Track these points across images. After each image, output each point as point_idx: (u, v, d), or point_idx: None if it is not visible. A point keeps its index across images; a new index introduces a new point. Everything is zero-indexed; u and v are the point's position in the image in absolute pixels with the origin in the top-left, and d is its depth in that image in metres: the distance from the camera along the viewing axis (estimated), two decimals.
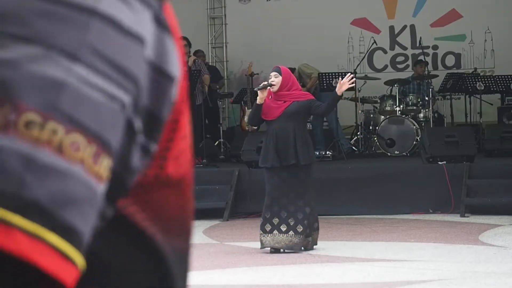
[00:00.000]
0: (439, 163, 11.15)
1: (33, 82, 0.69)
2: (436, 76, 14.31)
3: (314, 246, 8.26)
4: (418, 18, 15.58)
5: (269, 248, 8.23)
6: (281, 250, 8.18)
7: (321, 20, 15.62)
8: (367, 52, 14.96)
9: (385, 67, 15.76)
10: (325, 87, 13.35)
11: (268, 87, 8.19)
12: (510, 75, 13.97)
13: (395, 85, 13.75)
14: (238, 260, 7.93)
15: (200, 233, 9.90)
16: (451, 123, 14.24)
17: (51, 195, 0.68)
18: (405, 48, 15.74)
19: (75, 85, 0.70)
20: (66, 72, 0.70)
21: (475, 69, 14.88)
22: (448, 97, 14.52)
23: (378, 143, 13.43)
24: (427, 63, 14.50)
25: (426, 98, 13.67)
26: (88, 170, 0.70)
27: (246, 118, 14.31)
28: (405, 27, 15.69)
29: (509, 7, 15.05)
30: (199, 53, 14.32)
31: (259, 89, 8.24)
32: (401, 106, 13.54)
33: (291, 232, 8.12)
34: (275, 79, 8.17)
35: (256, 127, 14.06)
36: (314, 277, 6.99)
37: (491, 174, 10.95)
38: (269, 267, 7.52)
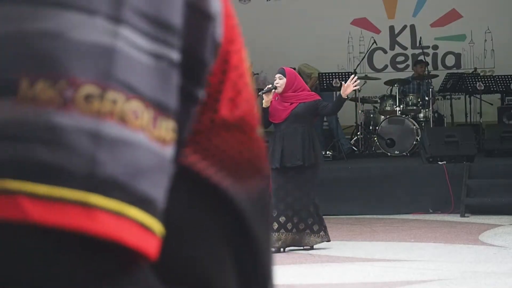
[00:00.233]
0: (439, 163, 11.15)
1: (82, 52, 0.66)
2: (436, 76, 14.31)
3: (315, 246, 8.29)
4: (418, 18, 15.58)
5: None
6: (281, 249, 8.19)
7: (321, 20, 15.61)
8: (367, 52, 14.96)
9: (385, 67, 15.76)
10: (325, 87, 13.34)
11: (273, 90, 8.19)
12: (510, 75, 13.97)
13: (395, 85, 13.74)
14: None
15: None
16: (451, 123, 14.24)
17: (124, 168, 0.65)
18: (405, 48, 15.75)
19: (124, 49, 0.67)
20: (113, 37, 0.66)
21: (475, 69, 14.89)
22: (448, 97, 14.52)
23: (378, 143, 13.42)
24: (427, 63, 14.50)
25: (426, 98, 13.66)
26: (151, 136, 0.67)
27: None
28: (405, 27, 15.69)
29: (509, 7, 15.05)
30: None
31: (263, 93, 8.22)
32: (401, 106, 13.54)
33: (294, 230, 8.16)
34: (280, 81, 8.18)
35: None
36: (314, 277, 6.98)
37: (491, 174, 10.95)
38: None
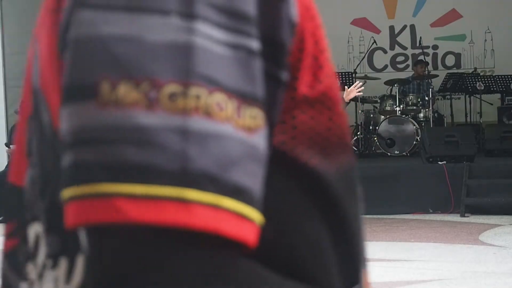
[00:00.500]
0: (439, 163, 11.15)
1: (161, 53, 0.67)
2: (436, 76, 14.32)
3: None
4: (418, 18, 15.58)
5: None
6: None
7: (321, 20, 15.61)
8: (367, 52, 14.96)
9: (385, 67, 15.76)
10: None
11: None
12: (510, 75, 13.97)
13: (395, 85, 13.75)
14: None
15: None
16: (451, 123, 14.24)
17: (214, 161, 0.67)
18: (405, 48, 15.75)
19: (201, 43, 0.68)
20: (188, 33, 0.68)
21: (475, 69, 14.89)
22: (448, 97, 14.52)
23: (378, 143, 13.43)
24: (427, 63, 14.50)
25: (426, 98, 13.67)
26: (237, 125, 0.68)
27: None
28: (405, 27, 15.69)
29: (509, 7, 15.05)
30: None
31: None
32: (401, 106, 13.54)
33: None
34: None
35: None
36: None
37: (491, 174, 10.95)
38: None
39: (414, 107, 13.67)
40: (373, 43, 14.62)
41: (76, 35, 0.69)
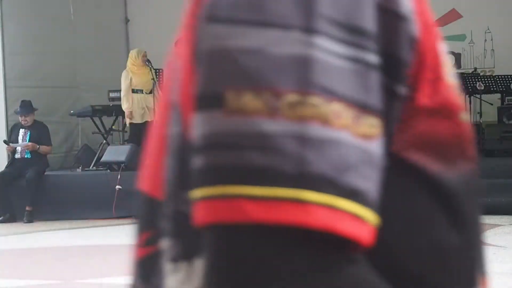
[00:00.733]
0: None
1: (282, 65, 0.72)
2: None
3: None
4: None
5: None
6: None
7: None
8: None
9: None
10: None
11: None
12: (510, 75, 13.97)
13: None
14: None
15: None
16: None
17: (331, 165, 0.71)
18: None
19: (320, 56, 0.72)
20: (308, 47, 0.72)
21: (475, 69, 14.88)
22: None
23: None
24: None
25: None
26: (354, 133, 0.73)
27: None
28: None
29: (509, 7, 15.04)
30: None
31: None
32: None
33: None
34: None
35: None
36: None
37: (491, 174, 10.95)
38: None
39: None
40: None
41: (206, 48, 0.75)
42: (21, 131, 12.03)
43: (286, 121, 0.71)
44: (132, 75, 12.51)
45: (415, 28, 0.80)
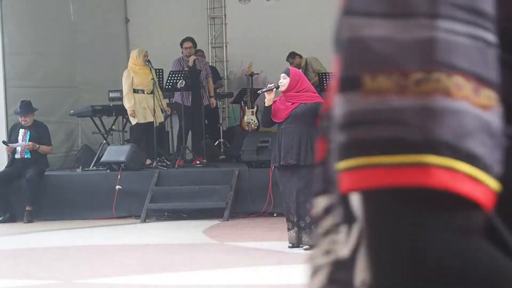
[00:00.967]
0: None
1: (409, 48, 0.83)
2: None
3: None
4: None
5: (288, 245, 8.34)
6: (300, 245, 8.25)
7: (321, 20, 15.60)
8: None
9: None
10: (325, 86, 13.35)
11: (274, 89, 8.30)
12: None
13: None
14: (238, 260, 7.93)
15: (200, 233, 9.90)
16: None
17: (452, 132, 0.81)
18: None
19: (442, 36, 0.82)
20: (432, 30, 0.82)
21: None
22: None
23: None
24: None
25: None
26: (473, 103, 0.82)
27: (246, 118, 14.34)
28: None
29: None
30: (198, 53, 14.31)
31: (265, 92, 8.34)
32: None
33: (295, 228, 8.22)
34: (283, 81, 8.29)
35: (256, 128, 14.09)
36: None
37: None
38: (269, 267, 7.52)
39: None
40: None
41: (344, 37, 0.87)
42: (21, 131, 12.03)
43: (413, 97, 0.81)
44: (133, 74, 12.50)
45: None
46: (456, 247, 0.81)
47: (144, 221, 11.20)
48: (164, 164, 12.34)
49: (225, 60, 16.41)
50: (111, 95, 13.49)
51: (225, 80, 16.23)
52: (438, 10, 0.83)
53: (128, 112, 12.51)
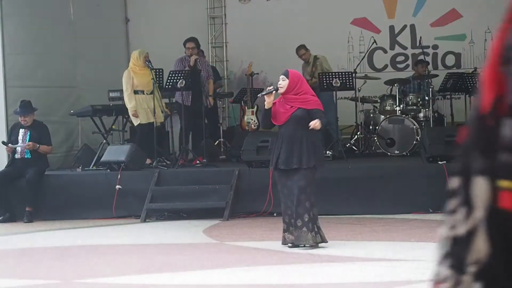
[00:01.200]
0: (439, 162, 11.14)
1: None
2: (436, 75, 14.32)
3: (320, 245, 8.33)
4: (418, 17, 15.57)
5: (288, 244, 8.34)
6: (301, 245, 8.25)
7: (321, 20, 15.60)
8: (367, 51, 14.95)
9: (385, 66, 15.75)
10: (325, 86, 13.34)
11: (274, 91, 8.28)
12: None
13: (395, 85, 13.75)
14: (238, 260, 7.93)
15: (200, 233, 9.90)
16: (451, 123, 14.23)
17: None
18: (405, 48, 15.74)
19: None
20: None
21: (475, 68, 14.87)
22: (448, 96, 14.51)
23: (378, 143, 13.42)
24: (428, 63, 14.51)
25: (426, 98, 13.67)
26: None
27: (246, 118, 14.34)
28: (405, 26, 15.68)
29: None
30: (199, 53, 14.31)
31: (264, 95, 8.32)
32: (401, 105, 13.54)
33: (304, 228, 8.23)
34: (282, 82, 8.27)
35: (256, 127, 14.09)
36: (314, 277, 6.98)
37: None
38: (269, 267, 7.52)
39: (414, 107, 13.67)
40: (373, 43, 14.62)
41: None
42: (21, 131, 12.02)
43: None
44: (133, 75, 12.50)
45: None
46: None
47: (144, 221, 11.20)
48: (164, 164, 12.34)
49: (225, 60, 16.41)
50: (111, 95, 13.49)
51: (225, 80, 16.23)
52: None
53: (130, 113, 12.50)
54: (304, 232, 8.22)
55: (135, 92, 12.48)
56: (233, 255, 8.24)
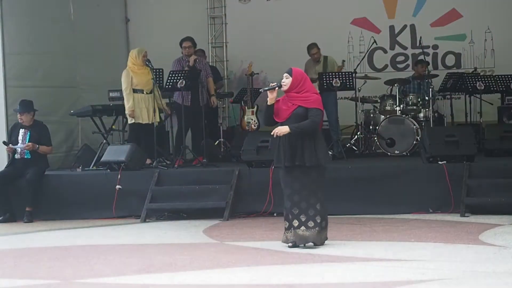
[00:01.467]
0: (439, 162, 11.14)
1: None
2: (436, 75, 14.32)
3: (325, 242, 8.37)
4: (418, 17, 15.57)
5: (288, 244, 8.32)
6: (301, 245, 8.24)
7: (321, 20, 15.60)
8: (367, 51, 14.95)
9: (385, 66, 15.75)
10: (325, 86, 13.33)
11: (276, 88, 8.29)
12: (510, 75, 13.96)
13: (395, 85, 13.74)
14: (238, 260, 7.93)
15: (200, 233, 9.90)
16: (451, 122, 14.23)
17: None
18: (405, 48, 15.73)
19: None
20: None
21: (475, 68, 14.88)
22: (448, 96, 14.51)
23: (378, 143, 13.42)
24: (428, 63, 14.51)
25: (426, 98, 13.66)
26: None
27: (246, 118, 14.33)
28: (405, 26, 15.68)
29: (509, 7, 15.03)
30: (199, 53, 14.30)
31: (267, 90, 8.33)
32: (401, 105, 13.53)
33: (302, 227, 8.22)
34: (285, 80, 8.28)
35: (256, 127, 14.09)
36: (314, 277, 6.98)
37: (491, 174, 10.94)
38: (269, 267, 7.51)
39: (414, 107, 13.67)
40: (373, 43, 14.61)
41: None
42: (21, 131, 12.01)
43: None
44: (132, 74, 12.49)
45: None
46: None
47: (144, 221, 11.19)
48: (164, 164, 12.33)
49: (225, 60, 16.41)
50: (111, 95, 13.48)
51: (225, 80, 16.23)
52: None
53: (127, 112, 12.50)
54: (317, 232, 8.25)
55: (134, 91, 12.47)
56: (233, 255, 8.24)
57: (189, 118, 12.67)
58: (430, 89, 13.67)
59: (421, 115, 13.68)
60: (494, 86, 13.87)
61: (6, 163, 12.16)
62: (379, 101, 14.02)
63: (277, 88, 8.32)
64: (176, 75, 12.52)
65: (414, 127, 13.16)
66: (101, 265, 7.92)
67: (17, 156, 11.98)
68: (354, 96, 14.07)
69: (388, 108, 13.65)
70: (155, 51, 13.57)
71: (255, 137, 11.77)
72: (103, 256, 8.46)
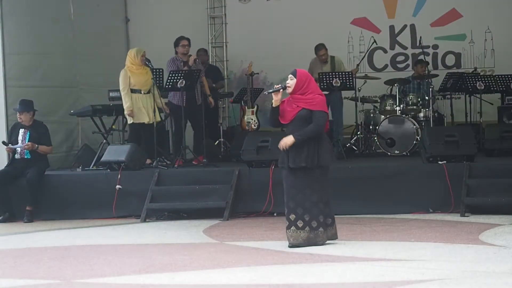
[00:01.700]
0: (439, 162, 11.14)
1: None
2: (436, 75, 14.32)
3: (328, 241, 8.37)
4: (418, 17, 15.57)
5: (288, 244, 8.33)
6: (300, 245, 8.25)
7: (321, 20, 15.60)
8: (367, 51, 14.95)
9: (385, 66, 15.76)
10: (325, 86, 13.33)
11: (281, 90, 8.29)
12: (510, 75, 13.96)
13: (395, 85, 13.74)
14: (238, 260, 7.93)
15: (200, 233, 9.90)
16: (451, 122, 14.23)
17: None
18: (405, 48, 15.74)
19: None
20: None
21: (475, 68, 14.88)
22: (448, 96, 14.51)
23: (378, 143, 13.42)
24: (427, 63, 14.51)
25: (426, 98, 13.66)
26: None
27: (246, 118, 14.33)
28: (405, 26, 15.68)
29: (509, 7, 15.04)
30: (200, 52, 14.31)
31: (272, 92, 8.33)
32: (401, 105, 13.53)
33: (307, 228, 8.21)
34: (290, 82, 8.29)
35: (256, 127, 14.09)
36: (314, 277, 6.98)
37: (491, 174, 10.94)
38: (269, 267, 7.51)
39: (414, 107, 13.67)
40: (373, 43, 14.61)
41: None
42: (21, 131, 12.01)
43: None
44: (130, 74, 12.48)
45: None
46: None
47: (144, 221, 11.20)
48: (164, 163, 12.33)
49: (225, 60, 16.41)
50: (111, 94, 13.48)
51: (225, 80, 16.23)
52: None
53: (126, 112, 12.50)
54: (321, 233, 8.26)
55: (132, 91, 12.47)
56: (233, 255, 8.24)
57: (185, 118, 12.63)
58: (430, 89, 13.67)
59: (421, 115, 13.68)
60: (494, 86, 13.87)
61: (6, 163, 12.17)
62: (379, 101, 14.02)
63: (281, 90, 8.32)
64: (176, 75, 12.51)
65: (414, 127, 13.16)
66: (101, 265, 7.92)
67: (17, 156, 11.98)
68: (354, 96, 14.07)
69: (388, 108, 13.65)
70: (155, 51, 13.57)
71: (255, 137, 11.77)
72: (103, 256, 8.46)
